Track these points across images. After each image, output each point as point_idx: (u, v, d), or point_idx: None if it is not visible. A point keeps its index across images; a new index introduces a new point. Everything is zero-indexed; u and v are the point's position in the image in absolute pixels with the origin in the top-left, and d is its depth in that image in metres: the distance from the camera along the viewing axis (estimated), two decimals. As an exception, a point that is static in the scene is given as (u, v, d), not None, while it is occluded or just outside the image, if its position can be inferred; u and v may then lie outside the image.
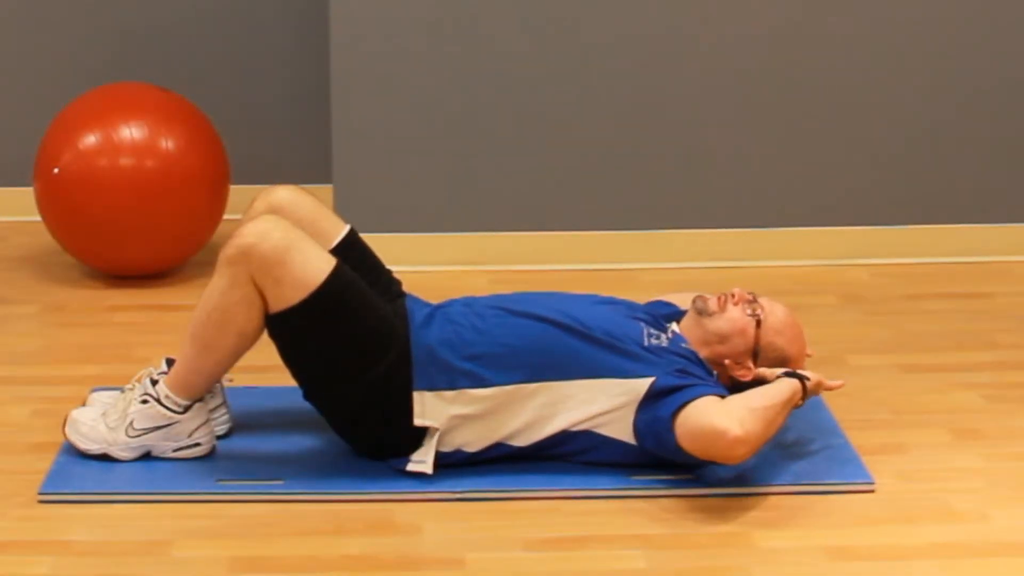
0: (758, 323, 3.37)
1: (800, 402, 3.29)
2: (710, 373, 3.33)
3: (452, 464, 3.27)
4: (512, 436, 3.28)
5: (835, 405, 3.62)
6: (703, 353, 3.37)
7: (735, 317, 3.38)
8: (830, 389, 3.37)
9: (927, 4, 4.57)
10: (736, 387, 3.32)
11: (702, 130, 4.62)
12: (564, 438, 3.27)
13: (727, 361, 3.37)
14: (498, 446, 3.29)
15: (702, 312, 3.40)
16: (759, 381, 3.33)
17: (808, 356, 3.47)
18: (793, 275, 4.58)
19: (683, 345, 3.35)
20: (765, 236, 4.67)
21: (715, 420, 3.12)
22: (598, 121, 4.59)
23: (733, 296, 3.41)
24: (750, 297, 3.41)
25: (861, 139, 4.65)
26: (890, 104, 4.63)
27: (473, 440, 3.28)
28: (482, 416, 3.25)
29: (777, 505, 3.21)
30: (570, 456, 3.30)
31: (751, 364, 3.37)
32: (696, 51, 4.56)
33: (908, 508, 3.20)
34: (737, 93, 4.59)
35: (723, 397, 3.20)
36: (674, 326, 3.42)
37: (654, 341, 3.32)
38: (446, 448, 3.27)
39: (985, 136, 4.67)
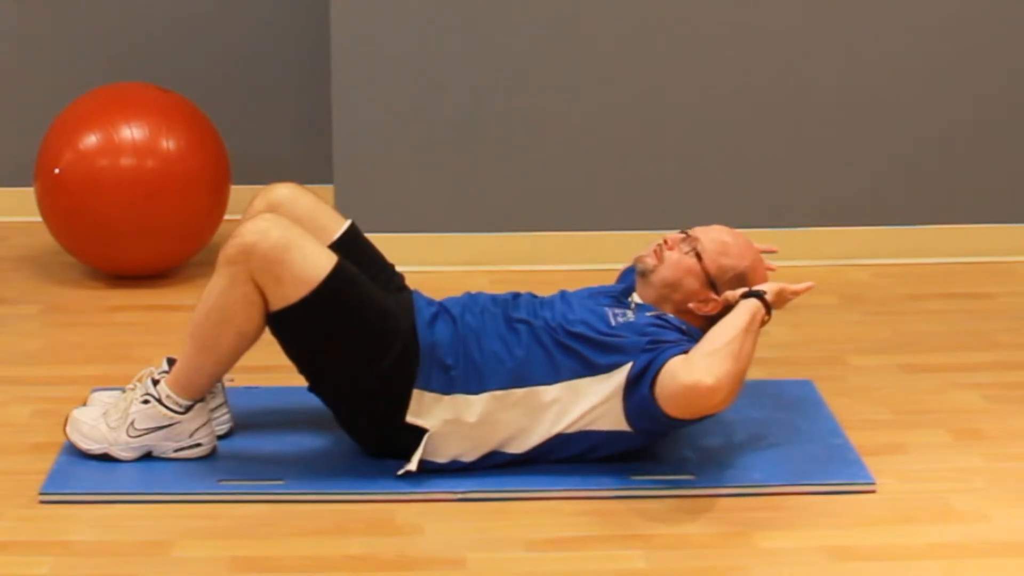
0: (699, 256, 3.35)
1: (767, 318, 3.25)
2: (682, 330, 3.30)
3: (450, 472, 3.27)
4: (505, 443, 3.27)
5: (835, 405, 3.62)
6: (666, 309, 3.34)
7: (675, 260, 3.36)
8: (797, 293, 3.33)
9: (927, 5, 4.57)
10: (714, 321, 3.27)
11: (703, 131, 4.62)
12: (561, 441, 3.27)
13: (691, 304, 3.35)
14: (494, 454, 3.28)
15: (644, 272, 3.39)
16: (730, 308, 3.28)
17: (772, 252, 3.44)
18: (793, 275, 4.55)
19: (648, 314, 3.32)
20: (765, 236, 4.66)
21: (682, 379, 3.09)
22: (599, 122, 4.59)
23: (666, 242, 3.39)
24: (682, 235, 3.39)
25: (862, 140, 4.65)
26: (891, 105, 4.63)
27: (467, 450, 3.27)
28: (472, 424, 3.24)
29: (777, 505, 3.21)
30: (574, 460, 3.29)
31: (714, 296, 3.34)
32: (696, 51, 4.56)
33: (909, 508, 3.20)
34: (737, 94, 4.60)
35: (686, 352, 3.17)
36: (635, 296, 3.41)
37: (620, 320, 3.30)
38: (442, 459, 3.27)
39: (986, 137, 4.67)
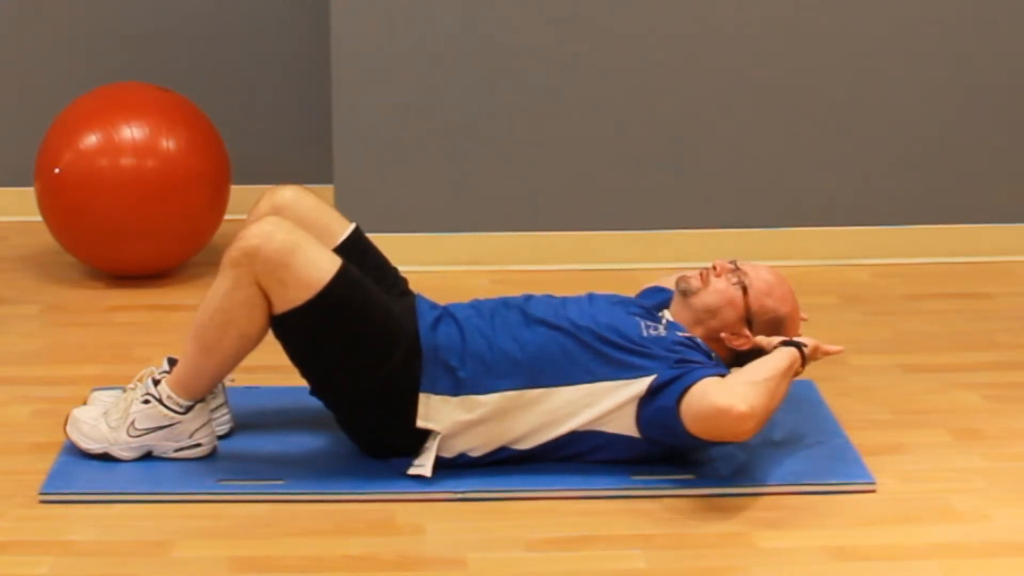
0: (744, 290, 3.36)
1: (800, 370, 3.28)
2: (709, 356, 3.32)
3: (455, 467, 3.27)
4: (517, 441, 3.28)
5: (836, 405, 3.62)
6: (698, 333, 3.36)
7: (720, 289, 3.37)
8: (829, 354, 3.35)
9: (928, 5, 4.57)
10: (737, 359, 3.31)
11: (702, 130, 4.62)
12: (570, 439, 3.27)
13: (723, 334, 3.36)
14: (502, 450, 3.29)
15: (687, 292, 3.39)
16: (758, 350, 3.31)
17: (803, 320, 3.46)
18: (793, 275, 4.54)
19: (679, 333, 3.34)
20: (765, 236, 4.67)
21: (718, 399, 3.11)
22: (598, 121, 4.59)
23: (715, 269, 3.40)
24: (732, 266, 3.40)
25: (861, 139, 4.65)
26: (890, 104, 4.64)
27: (477, 446, 3.28)
28: (485, 422, 3.25)
29: (778, 505, 3.21)
30: (577, 457, 3.29)
31: (747, 332, 3.36)
32: (696, 51, 4.56)
33: (909, 508, 3.20)
34: (737, 93, 4.60)
35: (723, 376, 3.20)
36: (667, 313, 3.42)
37: (652, 332, 3.31)
38: (449, 454, 3.27)
39: (985, 136, 4.67)
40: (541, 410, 3.25)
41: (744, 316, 3.36)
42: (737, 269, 3.40)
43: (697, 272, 3.42)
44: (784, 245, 4.67)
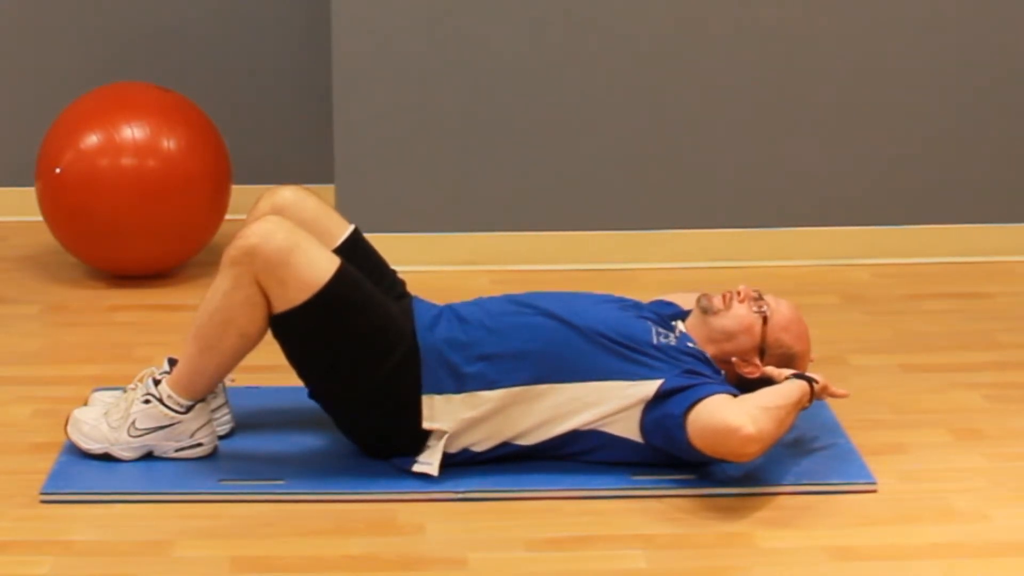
0: (764, 320, 3.38)
1: (807, 404, 3.30)
2: (718, 372, 3.33)
3: (457, 463, 3.27)
4: (520, 436, 3.28)
5: (837, 405, 3.62)
6: (710, 351, 3.37)
7: (741, 314, 3.39)
8: (835, 396, 3.38)
9: (927, 5, 4.58)
10: (743, 385, 3.32)
11: (702, 130, 4.62)
12: (572, 437, 3.27)
13: (734, 359, 3.37)
14: (505, 445, 3.29)
15: (707, 310, 3.41)
16: (766, 380, 3.33)
17: (811, 361, 3.48)
18: (793, 275, 4.58)
19: (690, 344, 3.35)
20: (765, 236, 4.67)
21: (728, 417, 3.12)
22: (598, 121, 4.59)
23: (739, 294, 3.42)
24: (755, 294, 3.42)
25: (861, 139, 4.65)
26: (890, 104, 4.64)
27: (481, 440, 3.28)
28: (491, 417, 3.25)
29: (779, 505, 3.21)
30: (577, 456, 3.30)
31: (758, 361, 3.38)
32: (696, 51, 4.56)
33: (910, 508, 3.20)
34: (737, 93, 4.60)
35: (735, 395, 3.21)
36: (680, 325, 3.43)
37: (663, 340, 3.32)
38: (452, 449, 3.27)
39: (985, 136, 4.67)
40: (546, 406, 3.25)
41: (759, 345, 3.38)
42: (760, 298, 3.41)
43: (721, 293, 3.43)
44: (784, 245, 4.68)
